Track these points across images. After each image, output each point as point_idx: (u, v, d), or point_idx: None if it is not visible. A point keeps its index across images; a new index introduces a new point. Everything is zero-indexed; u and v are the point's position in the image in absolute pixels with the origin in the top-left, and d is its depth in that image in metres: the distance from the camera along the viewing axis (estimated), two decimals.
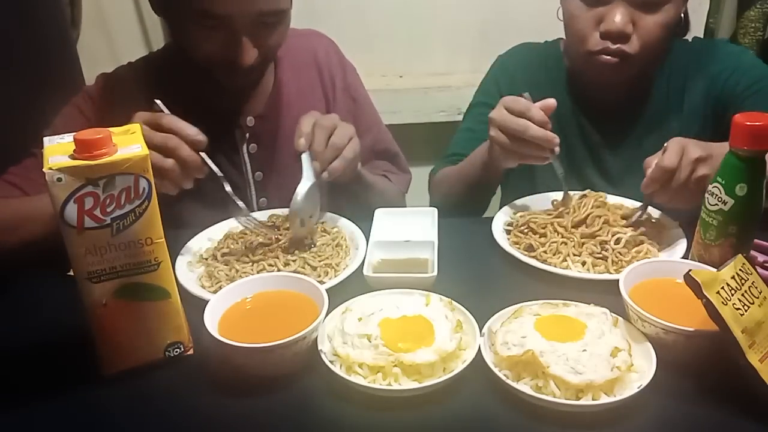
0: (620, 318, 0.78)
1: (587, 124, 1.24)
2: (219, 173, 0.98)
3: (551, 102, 1.00)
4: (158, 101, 0.97)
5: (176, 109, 0.98)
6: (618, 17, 1.04)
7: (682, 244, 0.95)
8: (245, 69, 1.04)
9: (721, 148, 0.84)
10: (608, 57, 1.08)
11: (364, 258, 0.94)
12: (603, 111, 1.23)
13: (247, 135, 1.20)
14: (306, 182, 0.98)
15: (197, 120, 1.06)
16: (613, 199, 1.08)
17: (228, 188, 0.99)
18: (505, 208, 1.11)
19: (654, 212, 1.05)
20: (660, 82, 1.20)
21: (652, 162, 0.92)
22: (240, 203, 1.01)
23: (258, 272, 0.93)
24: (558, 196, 1.11)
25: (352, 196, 1.16)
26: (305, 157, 0.98)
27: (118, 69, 1.22)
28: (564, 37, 1.25)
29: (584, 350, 0.71)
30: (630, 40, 1.06)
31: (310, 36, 1.31)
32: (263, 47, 1.04)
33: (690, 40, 1.25)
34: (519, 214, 1.08)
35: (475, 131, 1.26)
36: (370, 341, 0.73)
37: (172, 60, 1.18)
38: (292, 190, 0.98)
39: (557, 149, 1.00)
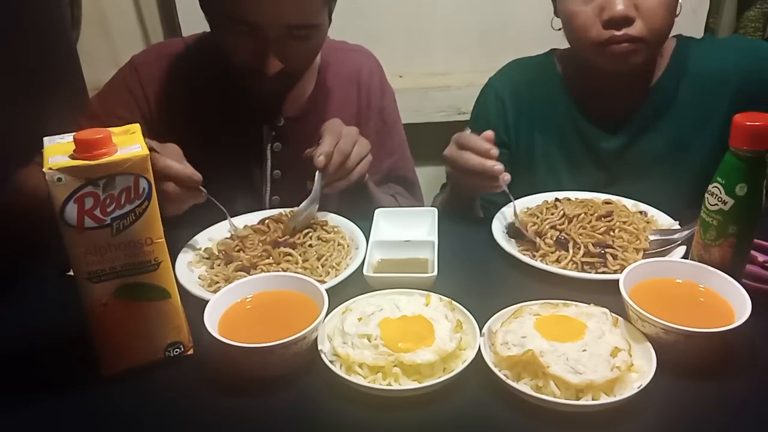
0: (620, 318, 0.78)
1: (590, 132, 1.23)
2: (220, 207, 1.02)
3: (489, 133, 1.03)
4: (151, 141, 0.96)
5: (213, 96, 1.07)
6: (619, 3, 1.05)
7: (682, 244, 0.95)
8: (271, 79, 1.05)
9: None
10: (618, 45, 1.08)
11: (364, 258, 0.94)
12: (606, 117, 1.22)
13: (274, 133, 1.22)
14: (312, 199, 1.02)
15: (230, 110, 1.08)
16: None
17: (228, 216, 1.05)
18: (505, 209, 1.11)
19: (654, 212, 1.06)
20: (664, 82, 1.19)
21: None
22: (224, 210, 1.04)
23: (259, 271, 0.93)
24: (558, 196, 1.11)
25: (352, 204, 1.16)
26: (318, 176, 1.02)
27: (172, 41, 1.27)
28: (557, 47, 1.26)
29: (584, 350, 0.71)
30: (634, 24, 1.07)
31: (360, 53, 1.33)
32: (291, 60, 1.06)
33: (697, 38, 1.24)
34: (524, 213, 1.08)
35: None
36: (370, 341, 0.73)
37: (216, 48, 1.18)
38: (303, 194, 1.03)
39: (507, 177, 1.01)
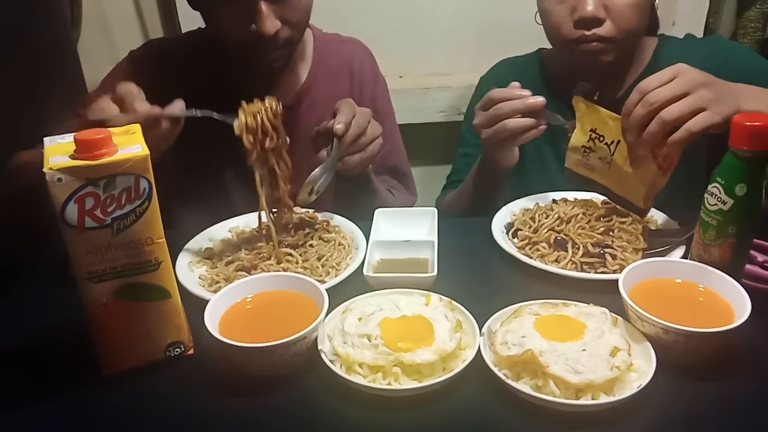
0: (620, 318, 0.78)
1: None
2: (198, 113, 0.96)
3: (514, 83, 1.04)
4: (102, 102, 0.91)
5: (205, 89, 1.05)
6: (589, 4, 1.09)
7: (682, 244, 0.95)
8: (271, 42, 1.05)
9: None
10: (587, 44, 1.12)
11: (364, 258, 0.94)
12: None
13: None
14: (327, 167, 1.02)
15: (224, 101, 1.10)
16: None
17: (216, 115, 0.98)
18: (505, 208, 1.11)
19: (653, 212, 1.06)
20: (641, 80, 1.20)
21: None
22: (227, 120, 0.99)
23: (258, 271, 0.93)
24: (557, 195, 1.12)
25: (354, 198, 1.16)
26: (336, 144, 1.01)
27: (165, 39, 1.30)
28: (544, 46, 1.28)
29: (584, 350, 0.71)
30: (604, 24, 1.11)
31: (352, 43, 1.34)
32: (285, 17, 1.05)
33: (682, 37, 1.27)
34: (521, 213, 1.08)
35: (472, 155, 1.29)
36: (370, 341, 0.73)
37: (210, 41, 1.18)
38: (299, 184, 1.02)
39: (541, 99, 1.00)
